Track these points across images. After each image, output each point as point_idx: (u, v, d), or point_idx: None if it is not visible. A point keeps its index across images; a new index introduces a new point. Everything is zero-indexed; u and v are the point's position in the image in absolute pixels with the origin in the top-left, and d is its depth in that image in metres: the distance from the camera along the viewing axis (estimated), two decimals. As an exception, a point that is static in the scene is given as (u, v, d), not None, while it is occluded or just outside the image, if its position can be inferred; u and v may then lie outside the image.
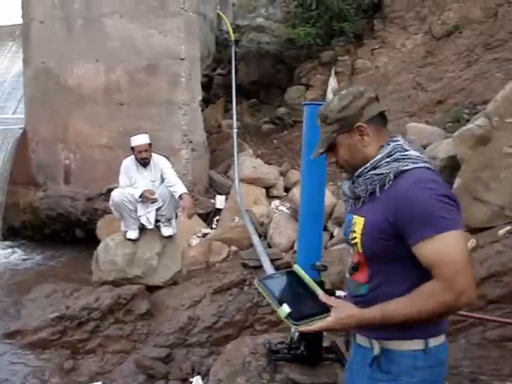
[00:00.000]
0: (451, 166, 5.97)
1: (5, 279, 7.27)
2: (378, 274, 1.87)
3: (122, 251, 5.87)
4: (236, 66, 10.10)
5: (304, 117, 2.88)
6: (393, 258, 1.78)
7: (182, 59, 7.84)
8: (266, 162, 8.52)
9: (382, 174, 1.84)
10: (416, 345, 1.84)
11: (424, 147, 7.01)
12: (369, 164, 1.88)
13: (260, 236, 6.28)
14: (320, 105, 3.01)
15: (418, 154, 1.87)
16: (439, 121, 7.61)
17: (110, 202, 6.03)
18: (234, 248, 6.67)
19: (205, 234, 7.18)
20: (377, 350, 1.87)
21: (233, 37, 10.34)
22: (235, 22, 11.95)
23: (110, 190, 6.69)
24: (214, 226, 7.51)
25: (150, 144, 5.98)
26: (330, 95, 9.49)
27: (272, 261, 4.80)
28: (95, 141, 8.34)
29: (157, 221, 5.89)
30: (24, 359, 4.93)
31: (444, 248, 1.69)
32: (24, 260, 8.18)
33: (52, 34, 8.54)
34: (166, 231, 5.88)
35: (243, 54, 10.91)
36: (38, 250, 8.60)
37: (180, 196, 5.68)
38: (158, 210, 5.86)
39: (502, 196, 5.28)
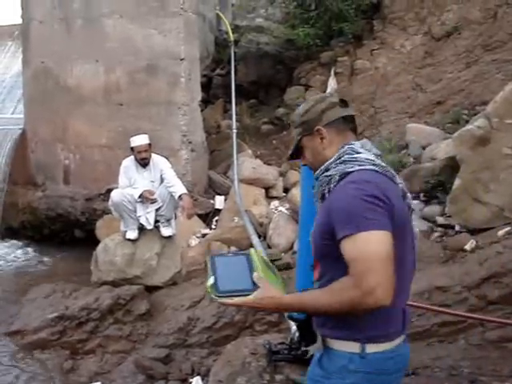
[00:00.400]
0: (451, 167, 5.98)
1: (4, 279, 7.27)
2: (327, 272, 1.89)
3: (121, 251, 5.87)
4: (235, 66, 10.10)
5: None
6: (337, 256, 1.77)
7: (181, 59, 7.84)
8: (265, 163, 8.53)
9: (330, 175, 1.88)
10: (352, 347, 1.85)
11: (423, 148, 7.02)
12: (323, 166, 1.94)
13: (259, 236, 6.29)
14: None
15: (368, 157, 1.88)
16: (439, 122, 7.61)
17: (110, 203, 6.03)
18: (233, 248, 6.66)
19: (204, 235, 7.18)
20: (321, 347, 1.92)
21: (232, 37, 10.33)
22: (234, 23, 11.93)
23: (109, 191, 6.69)
24: (213, 227, 7.51)
25: (149, 144, 5.98)
26: (329, 96, 9.48)
27: (271, 261, 4.79)
28: (95, 141, 8.33)
29: (156, 221, 5.89)
30: (23, 359, 4.92)
31: (360, 246, 1.69)
32: (23, 260, 8.18)
33: (51, 34, 8.54)
34: (166, 231, 5.88)
35: (242, 55, 10.90)
36: (37, 250, 8.59)
37: (179, 196, 5.68)
38: (157, 210, 5.86)
39: (502, 197, 5.28)
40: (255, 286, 1.78)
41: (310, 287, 2.70)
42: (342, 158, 1.89)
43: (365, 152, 1.92)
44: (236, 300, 1.78)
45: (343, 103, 2.02)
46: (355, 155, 1.89)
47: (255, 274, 1.81)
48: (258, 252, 1.95)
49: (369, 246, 1.69)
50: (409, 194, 1.92)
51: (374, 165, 1.86)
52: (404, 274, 1.87)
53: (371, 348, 1.83)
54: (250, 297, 1.77)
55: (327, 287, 1.77)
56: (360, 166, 1.84)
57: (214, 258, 1.89)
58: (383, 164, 1.88)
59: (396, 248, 1.74)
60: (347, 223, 1.73)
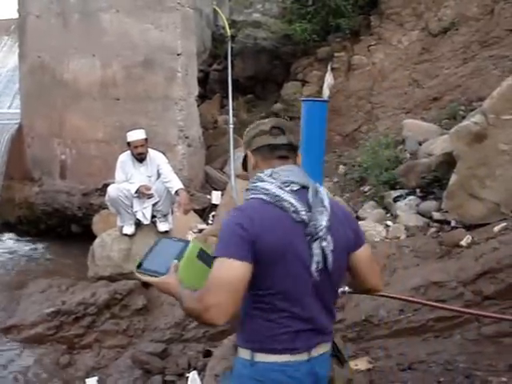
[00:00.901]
0: (447, 163, 6.00)
1: (0, 274, 7.26)
2: None
3: (118, 246, 5.88)
4: (232, 61, 10.08)
5: (301, 113, 2.88)
6: None
7: (178, 54, 7.81)
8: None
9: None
10: (245, 354, 2.03)
11: (420, 143, 7.04)
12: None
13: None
14: (318, 101, 3.01)
15: (265, 186, 2.02)
16: (435, 117, 7.63)
17: (106, 198, 6.03)
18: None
19: (201, 230, 7.17)
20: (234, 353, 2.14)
21: (229, 32, 10.30)
22: (231, 18, 11.89)
23: (106, 186, 6.69)
24: (210, 222, 7.50)
25: (146, 139, 5.98)
26: (326, 91, 9.49)
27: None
28: (91, 136, 8.31)
29: (153, 216, 5.90)
30: (20, 354, 4.93)
31: (215, 268, 1.91)
32: (20, 255, 8.16)
33: (48, 29, 8.51)
34: (162, 227, 5.89)
35: (239, 50, 10.88)
36: (33, 245, 8.59)
37: (176, 192, 5.68)
38: (154, 205, 5.87)
39: (498, 193, 5.30)
40: (167, 271, 2.03)
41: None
42: (248, 186, 2.10)
43: (269, 181, 2.02)
44: (145, 277, 2.08)
45: (276, 131, 2.13)
46: (257, 184, 2.04)
47: (174, 262, 2.04)
48: (197, 244, 2.16)
49: (219, 270, 1.90)
50: (313, 223, 1.97)
51: (265, 194, 2.00)
52: (294, 290, 1.98)
53: (259, 357, 1.99)
54: (157, 279, 2.03)
55: (196, 292, 1.95)
56: (253, 194, 2.03)
57: (159, 239, 2.20)
58: (281, 193, 1.99)
59: (272, 268, 1.93)
60: (217, 245, 1.96)
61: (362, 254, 2.16)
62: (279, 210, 1.98)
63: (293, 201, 1.99)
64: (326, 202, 2.04)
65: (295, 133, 2.23)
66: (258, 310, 2.00)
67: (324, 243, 1.98)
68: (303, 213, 1.98)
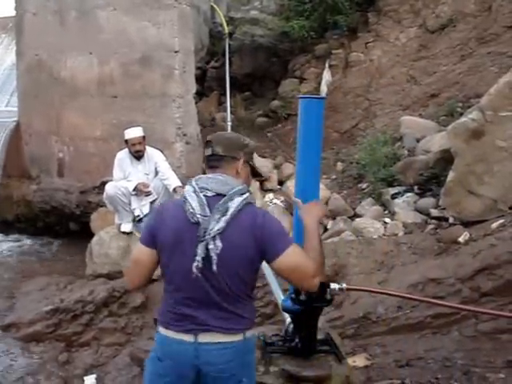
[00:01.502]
0: (445, 160, 6.01)
1: (-2, 272, 7.26)
2: None
3: (116, 244, 5.88)
4: (230, 58, 10.08)
5: (299, 110, 2.88)
6: None
7: (175, 52, 7.80)
8: (259, 155, 8.52)
9: None
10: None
11: (418, 140, 7.04)
12: None
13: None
14: (315, 98, 3.01)
15: (185, 191, 2.39)
16: (433, 114, 7.63)
17: (104, 195, 6.03)
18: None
19: (199, 227, 7.17)
20: None
21: (227, 29, 10.30)
22: (229, 15, 11.88)
23: (103, 183, 6.69)
24: (208, 219, 7.49)
25: (143, 137, 5.98)
26: (324, 88, 9.48)
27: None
28: (89, 133, 8.30)
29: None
30: (18, 352, 4.92)
31: None
32: (18, 253, 8.16)
33: (45, 27, 8.49)
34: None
35: (237, 47, 10.87)
36: (31, 243, 8.58)
37: (174, 189, 5.69)
38: (152, 202, 5.87)
39: (496, 189, 5.31)
40: None
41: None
42: None
43: (191, 185, 2.36)
44: None
45: (208, 144, 2.45)
46: (185, 188, 2.42)
47: None
48: None
49: (134, 250, 2.62)
50: (205, 226, 2.22)
51: (182, 197, 2.36)
52: (180, 281, 2.33)
53: (159, 328, 2.43)
54: None
55: None
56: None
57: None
58: (189, 196, 2.31)
59: (167, 258, 2.34)
60: None
61: (279, 263, 2.26)
62: (182, 210, 2.29)
63: (194, 204, 2.27)
64: (231, 211, 2.23)
65: (225, 144, 2.43)
66: (164, 290, 2.45)
67: (211, 246, 2.20)
68: (198, 216, 2.24)
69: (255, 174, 2.62)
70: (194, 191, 2.30)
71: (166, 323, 2.38)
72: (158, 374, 2.39)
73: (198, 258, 2.21)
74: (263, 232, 2.26)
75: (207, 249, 2.21)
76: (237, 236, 2.24)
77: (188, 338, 2.31)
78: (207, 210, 2.24)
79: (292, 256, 2.26)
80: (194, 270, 2.22)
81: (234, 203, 2.26)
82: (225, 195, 2.27)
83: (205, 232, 2.21)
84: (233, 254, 2.24)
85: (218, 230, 2.20)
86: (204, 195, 2.28)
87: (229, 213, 2.23)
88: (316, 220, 2.55)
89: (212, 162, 2.42)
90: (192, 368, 2.32)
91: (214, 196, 2.28)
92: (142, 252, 2.40)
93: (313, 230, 2.51)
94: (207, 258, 2.21)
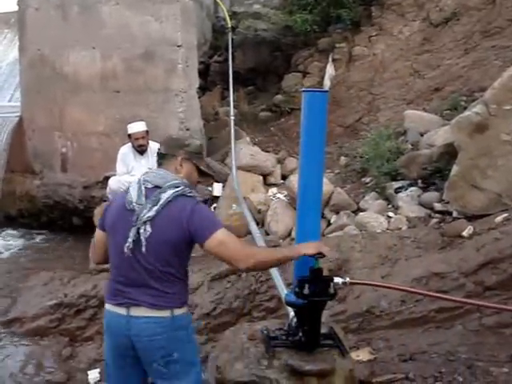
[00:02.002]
0: (449, 154, 5.98)
1: (2, 267, 7.27)
2: None
3: (119, 239, 5.86)
4: (233, 53, 10.04)
5: (302, 103, 2.87)
6: None
7: (178, 46, 7.80)
8: (263, 150, 8.51)
9: None
10: None
11: (421, 134, 7.02)
12: None
13: (257, 223, 6.28)
14: (318, 91, 3.00)
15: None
16: (436, 108, 7.60)
17: (107, 190, 6.03)
18: (231, 236, 6.64)
19: (202, 222, 7.16)
20: None
21: (229, 24, 10.26)
22: (232, 9, 11.85)
23: (106, 178, 6.70)
24: (211, 214, 7.49)
25: (147, 131, 5.98)
26: (327, 82, 9.46)
27: (270, 248, 4.80)
28: (92, 128, 8.31)
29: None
30: (22, 347, 4.94)
31: None
32: (21, 248, 8.18)
33: (48, 22, 8.48)
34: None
35: (240, 41, 10.84)
36: (35, 238, 8.60)
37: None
38: (155, 197, 5.85)
39: (500, 183, 5.29)
40: None
41: (307, 273, 2.73)
42: None
43: (138, 179, 2.80)
44: None
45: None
46: None
47: None
48: None
49: None
50: (138, 213, 2.65)
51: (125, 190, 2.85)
52: (117, 260, 2.76)
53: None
54: None
55: None
56: None
57: None
58: (131, 186, 2.77)
59: (109, 239, 2.81)
60: None
61: (208, 245, 2.62)
62: (123, 197, 2.77)
63: (133, 194, 2.69)
64: (161, 202, 2.63)
65: (166, 144, 2.97)
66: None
67: (141, 230, 2.62)
68: (134, 204, 2.66)
69: (203, 173, 2.95)
70: (138, 183, 2.73)
71: (107, 298, 2.83)
72: (107, 344, 2.92)
73: (130, 240, 2.63)
74: (192, 219, 2.62)
75: (138, 233, 2.63)
76: (165, 223, 2.63)
77: (122, 311, 2.72)
78: (143, 199, 2.67)
79: (219, 239, 2.61)
80: (126, 250, 2.64)
81: (166, 194, 2.64)
82: (161, 187, 2.68)
83: (137, 218, 2.63)
84: (160, 238, 2.63)
85: (149, 217, 2.62)
86: (145, 187, 2.70)
87: (159, 203, 2.63)
88: (297, 252, 2.70)
89: (158, 160, 2.91)
90: (125, 338, 2.71)
91: (152, 188, 2.70)
92: (97, 234, 2.95)
93: (287, 252, 2.81)
94: (137, 241, 2.63)
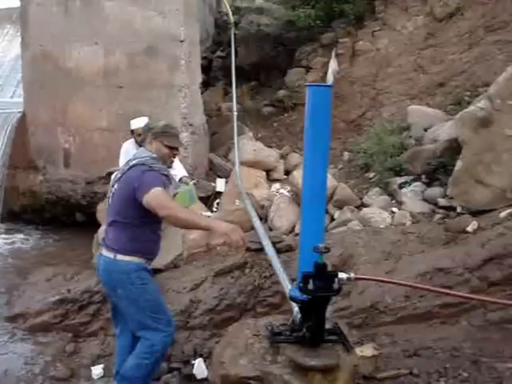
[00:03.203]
0: (452, 149, 5.97)
1: (5, 263, 7.28)
2: None
3: (122, 234, 5.85)
4: (235, 48, 10.02)
5: (306, 98, 2.85)
6: None
7: (181, 41, 7.78)
8: (266, 145, 8.50)
9: None
10: None
11: (425, 130, 7.00)
12: None
13: (261, 219, 6.27)
14: (322, 86, 2.99)
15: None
16: (440, 103, 7.58)
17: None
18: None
19: (205, 218, 7.16)
20: None
21: (232, 19, 10.24)
22: (234, 4, 11.83)
23: (109, 174, 6.67)
24: (214, 209, 7.49)
25: (150, 127, 5.94)
26: (330, 77, 9.43)
27: (273, 243, 4.79)
28: (95, 124, 8.30)
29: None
30: (26, 342, 4.94)
31: None
32: (24, 244, 8.19)
33: (50, 17, 8.46)
34: (167, 214, 5.86)
35: (243, 37, 10.82)
36: (38, 234, 8.61)
37: (180, 179, 5.67)
38: (158, 193, 5.84)
39: (504, 178, 5.28)
40: None
41: (311, 269, 2.72)
42: None
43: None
44: None
45: None
46: None
47: None
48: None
49: None
50: (115, 175, 3.75)
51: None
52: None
53: None
54: None
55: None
56: None
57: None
58: (131, 160, 3.58)
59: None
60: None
61: (144, 200, 3.30)
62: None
63: (120, 164, 4.05)
64: (127, 167, 3.49)
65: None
66: None
67: (114, 187, 3.57)
68: (121, 169, 3.64)
69: (169, 147, 3.63)
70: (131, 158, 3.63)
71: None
72: None
73: (109, 194, 3.61)
74: (138, 180, 3.35)
75: (112, 188, 3.59)
76: (123, 182, 3.48)
77: (103, 250, 3.60)
78: (125, 167, 3.53)
79: (153, 193, 3.27)
80: (107, 201, 3.67)
81: (133, 162, 3.48)
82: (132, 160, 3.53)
83: (113, 179, 3.67)
84: (117, 193, 3.51)
85: (118, 177, 3.56)
86: (130, 160, 3.57)
87: (126, 167, 3.50)
88: (208, 225, 3.25)
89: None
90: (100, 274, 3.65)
91: (132, 159, 3.55)
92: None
93: (203, 221, 3.38)
94: (111, 195, 3.58)
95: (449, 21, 8.88)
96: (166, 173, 3.55)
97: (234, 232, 3.06)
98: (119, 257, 3.45)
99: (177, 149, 3.73)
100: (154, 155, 3.53)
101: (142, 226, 3.48)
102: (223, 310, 4.76)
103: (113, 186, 3.57)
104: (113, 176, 3.84)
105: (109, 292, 3.69)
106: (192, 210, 3.84)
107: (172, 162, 3.80)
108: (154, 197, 3.26)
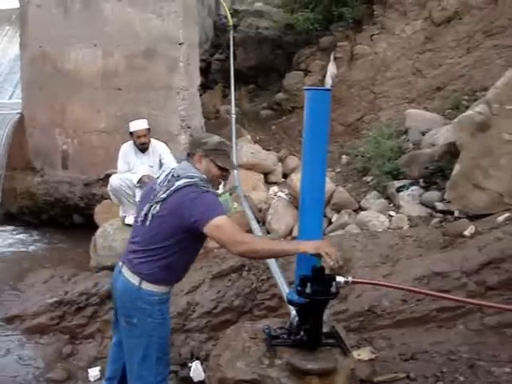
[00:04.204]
0: (450, 153, 5.98)
1: (2, 265, 7.26)
2: None
3: (120, 236, 5.87)
4: (234, 51, 10.03)
5: (305, 102, 2.86)
6: None
7: (180, 44, 7.77)
8: (264, 148, 8.50)
9: None
10: None
11: (423, 133, 7.01)
12: None
13: (258, 222, 6.28)
14: (320, 89, 3.00)
15: None
16: (438, 107, 7.59)
17: (109, 188, 6.02)
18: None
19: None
20: None
21: (231, 22, 10.25)
22: (233, 7, 11.88)
23: (108, 176, 6.69)
24: (212, 212, 7.48)
25: (148, 129, 5.97)
26: (328, 81, 9.45)
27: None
28: (93, 126, 8.30)
29: (155, 206, 5.87)
30: (23, 344, 4.93)
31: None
32: (22, 245, 8.16)
33: (49, 18, 8.47)
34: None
35: (241, 39, 10.85)
36: (35, 236, 8.59)
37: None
38: (156, 195, 5.85)
39: (502, 183, 5.28)
40: None
41: (309, 272, 2.72)
42: None
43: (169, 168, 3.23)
44: None
45: None
46: None
47: None
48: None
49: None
50: (156, 193, 3.07)
51: None
52: (135, 223, 3.22)
53: None
54: None
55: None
56: None
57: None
58: (161, 173, 3.21)
59: (138, 207, 3.25)
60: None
61: (207, 229, 2.84)
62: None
63: (161, 178, 3.11)
64: (173, 188, 2.96)
65: (191, 144, 3.37)
66: None
67: (152, 207, 3.00)
68: (157, 186, 3.07)
69: (220, 168, 3.13)
70: (169, 170, 3.13)
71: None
72: None
73: (142, 213, 3.05)
74: (193, 205, 2.88)
75: (150, 209, 3.01)
76: (170, 207, 2.94)
77: (119, 265, 3.18)
78: (165, 183, 3.03)
79: (217, 223, 2.81)
80: (138, 220, 3.12)
81: (179, 182, 2.96)
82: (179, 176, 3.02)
83: (153, 197, 3.03)
84: (161, 218, 2.96)
85: (161, 198, 2.98)
86: (171, 175, 3.05)
87: (171, 188, 2.96)
88: (296, 248, 2.82)
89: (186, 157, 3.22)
90: (114, 289, 3.24)
91: (176, 177, 3.02)
92: None
93: (286, 245, 3.20)
94: (147, 215, 3.02)
95: (447, 25, 8.90)
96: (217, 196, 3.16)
97: (325, 245, 2.70)
98: (145, 285, 3.02)
99: (228, 171, 3.22)
100: (204, 176, 3.04)
101: (182, 255, 3.06)
102: (220, 312, 4.77)
103: (150, 205, 3.01)
104: (145, 188, 3.37)
105: (119, 313, 3.19)
106: (266, 238, 3.28)
107: (220, 184, 3.37)
108: (221, 229, 2.82)
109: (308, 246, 2.70)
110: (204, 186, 2.96)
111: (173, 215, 2.92)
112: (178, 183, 2.95)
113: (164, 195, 2.96)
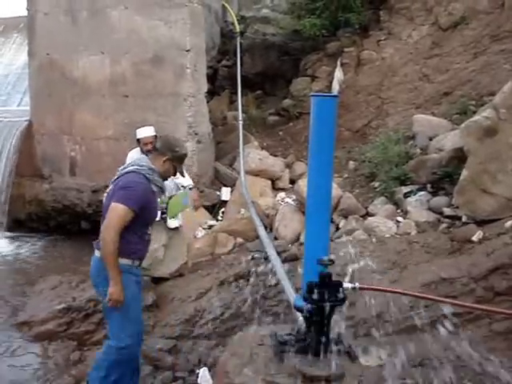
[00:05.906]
0: (458, 158, 5.96)
1: (11, 271, 7.29)
2: None
3: (127, 243, 5.86)
4: (241, 57, 10.06)
5: (311, 108, 2.86)
6: None
7: (187, 51, 7.80)
8: (271, 154, 8.51)
9: None
10: None
11: (430, 139, 7.00)
12: None
13: (266, 228, 6.28)
14: (327, 96, 3.00)
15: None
16: (446, 112, 7.57)
17: (116, 194, 6.02)
18: (239, 240, 6.65)
19: (210, 226, 7.17)
20: None
21: (238, 28, 10.29)
22: (240, 14, 11.89)
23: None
24: (219, 218, 7.50)
25: (155, 136, 5.98)
26: (335, 87, 9.45)
27: (278, 253, 4.79)
28: (101, 133, 8.34)
29: (162, 213, 5.89)
30: (31, 350, 4.95)
31: None
32: (30, 252, 8.20)
33: (57, 26, 8.53)
34: (172, 223, 5.88)
35: (248, 46, 10.87)
36: (43, 242, 8.62)
37: (184, 188, 5.68)
38: (163, 201, 5.86)
39: (510, 188, 5.26)
40: None
41: (316, 278, 2.71)
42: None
43: None
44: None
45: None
46: None
47: None
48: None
49: None
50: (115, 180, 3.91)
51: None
52: None
53: None
54: None
55: None
56: None
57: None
58: (129, 165, 3.95)
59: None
60: None
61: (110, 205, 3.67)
62: None
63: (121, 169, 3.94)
64: (119, 174, 3.83)
65: (163, 144, 3.94)
66: None
67: (110, 187, 3.89)
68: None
69: (175, 171, 3.96)
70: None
71: None
72: None
73: (103, 200, 3.88)
74: (118, 185, 3.72)
75: (109, 189, 3.85)
76: (112, 189, 3.75)
77: None
78: (123, 171, 3.82)
79: (112, 207, 3.62)
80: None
81: (126, 169, 3.79)
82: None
83: (112, 180, 3.89)
84: (108, 200, 3.72)
85: (115, 179, 3.83)
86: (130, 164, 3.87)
87: (123, 172, 3.78)
88: (114, 283, 3.64)
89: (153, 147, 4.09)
90: None
91: (131, 166, 3.82)
92: None
93: (115, 273, 3.63)
94: (106, 196, 3.86)
95: (454, 30, 8.90)
96: (159, 184, 3.86)
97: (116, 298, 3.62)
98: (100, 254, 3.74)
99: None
100: (153, 167, 3.78)
101: (128, 229, 3.65)
102: (228, 319, 4.77)
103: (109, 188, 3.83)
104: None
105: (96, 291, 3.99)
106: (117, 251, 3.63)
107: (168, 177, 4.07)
108: (113, 214, 3.60)
109: (113, 287, 3.59)
110: (148, 174, 3.72)
111: (111, 197, 3.71)
112: (124, 170, 3.77)
113: (116, 177, 3.83)
